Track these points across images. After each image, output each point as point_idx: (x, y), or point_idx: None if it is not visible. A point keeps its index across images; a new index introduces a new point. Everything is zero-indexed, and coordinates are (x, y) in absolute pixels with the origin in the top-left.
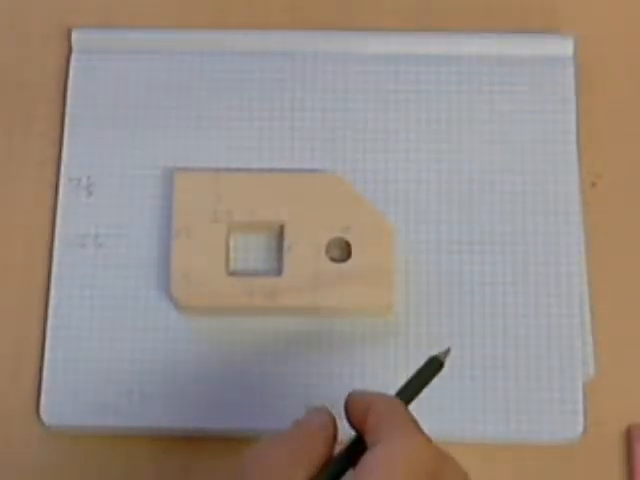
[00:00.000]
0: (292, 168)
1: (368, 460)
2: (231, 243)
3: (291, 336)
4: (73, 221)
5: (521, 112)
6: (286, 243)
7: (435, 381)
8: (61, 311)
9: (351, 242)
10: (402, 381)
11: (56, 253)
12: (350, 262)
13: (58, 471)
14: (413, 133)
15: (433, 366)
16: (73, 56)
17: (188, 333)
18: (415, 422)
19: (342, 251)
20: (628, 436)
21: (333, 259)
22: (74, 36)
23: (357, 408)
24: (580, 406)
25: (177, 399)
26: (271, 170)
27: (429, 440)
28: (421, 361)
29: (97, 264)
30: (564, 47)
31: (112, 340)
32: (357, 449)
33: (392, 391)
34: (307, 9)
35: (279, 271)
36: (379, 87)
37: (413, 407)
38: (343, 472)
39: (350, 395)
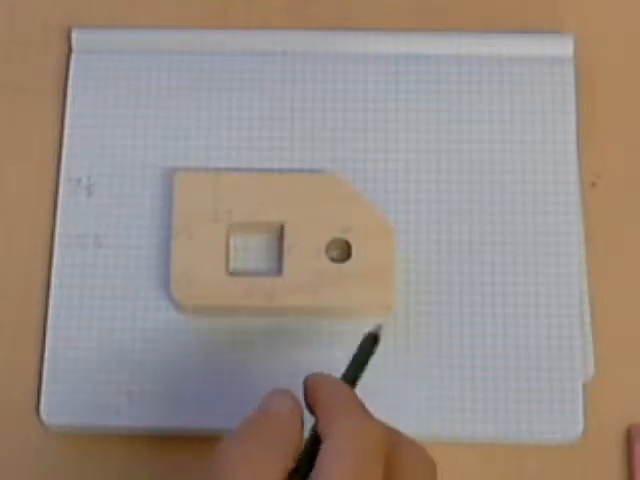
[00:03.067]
0: (292, 168)
1: (321, 454)
2: (231, 243)
3: (291, 336)
4: (73, 221)
5: (521, 112)
6: (286, 243)
7: (435, 381)
8: (61, 311)
9: (351, 242)
10: (402, 381)
11: (56, 253)
12: (350, 262)
13: (58, 471)
14: (413, 133)
15: (369, 342)
16: (73, 56)
17: (188, 333)
18: (360, 404)
19: (342, 251)
20: (628, 436)
21: (333, 259)
22: (74, 36)
23: (306, 393)
24: (580, 406)
25: (177, 399)
26: (271, 170)
27: (375, 421)
28: (421, 361)
29: (97, 264)
30: (564, 47)
31: (112, 340)
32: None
33: (394, 392)
34: (307, 9)
35: (279, 271)
36: (379, 87)
37: (413, 407)
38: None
39: (305, 379)
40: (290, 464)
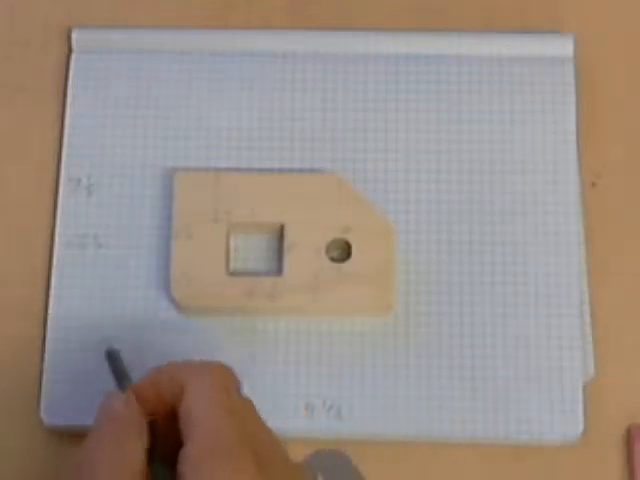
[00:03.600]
0: (292, 168)
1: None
2: (231, 243)
3: (291, 336)
4: (73, 221)
5: (521, 112)
6: (286, 243)
7: (435, 381)
8: (61, 311)
9: (351, 242)
10: (402, 381)
11: (56, 253)
12: (350, 262)
13: (58, 471)
14: (413, 133)
15: (112, 358)
16: (73, 56)
17: (188, 333)
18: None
19: (342, 251)
20: (628, 436)
21: (333, 259)
22: (74, 36)
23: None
24: (580, 406)
25: None
26: (271, 170)
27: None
28: (421, 361)
29: (97, 264)
30: (564, 47)
31: (112, 340)
32: None
33: (394, 392)
34: (307, 9)
35: (279, 271)
36: (379, 87)
37: (413, 407)
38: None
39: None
40: (145, 442)
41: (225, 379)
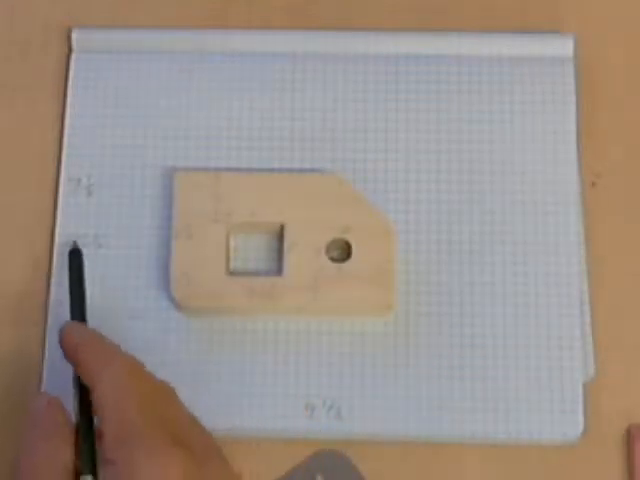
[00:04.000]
0: (292, 168)
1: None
2: (231, 243)
3: (291, 336)
4: (73, 221)
5: (521, 112)
6: (286, 243)
7: (435, 381)
8: (61, 311)
9: (351, 242)
10: (402, 381)
11: (56, 253)
12: (350, 262)
13: None
14: (413, 133)
15: (74, 259)
16: (73, 56)
17: (188, 333)
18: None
19: (342, 251)
20: (628, 436)
21: (333, 259)
22: (74, 36)
23: (66, 351)
24: (580, 406)
25: None
26: (271, 170)
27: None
28: (421, 361)
29: (97, 264)
30: (564, 47)
31: (112, 340)
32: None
33: (394, 392)
34: (307, 9)
35: (279, 271)
36: (379, 87)
37: (413, 407)
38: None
39: (59, 331)
40: (71, 438)
41: (134, 364)
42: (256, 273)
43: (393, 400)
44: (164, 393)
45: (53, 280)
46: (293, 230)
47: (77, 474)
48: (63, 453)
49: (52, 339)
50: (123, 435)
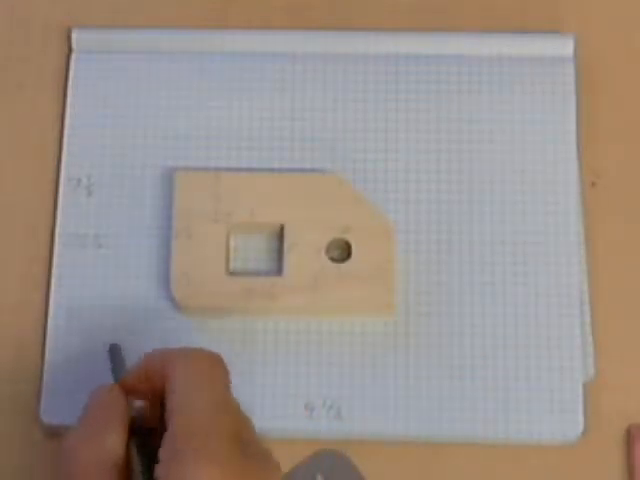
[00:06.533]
0: (292, 168)
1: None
2: (231, 243)
3: (291, 336)
4: (73, 221)
5: (521, 112)
6: (286, 243)
7: (435, 381)
8: (61, 311)
9: (351, 242)
10: (402, 381)
11: (56, 253)
12: (350, 262)
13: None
14: (413, 133)
15: (116, 353)
16: (73, 56)
17: (188, 333)
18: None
19: (342, 251)
20: (628, 436)
21: (333, 259)
22: (74, 36)
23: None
24: (580, 406)
25: None
26: (271, 170)
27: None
28: (421, 361)
29: (97, 264)
30: (564, 47)
31: (112, 340)
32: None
33: (394, 392)
34: (307, 9)
35: (279, 271)
36: (379, 87)
37: (413, 407)
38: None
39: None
40: (124, 435)
41: (213, 369)
42: (256, 273)
43: (393, 400)
44: (234, 404)
45: (53, 280)
46: (293, 230)
47: (126, 471)
48: (117, 450)
49: (52, 339)
50: (189, 444)
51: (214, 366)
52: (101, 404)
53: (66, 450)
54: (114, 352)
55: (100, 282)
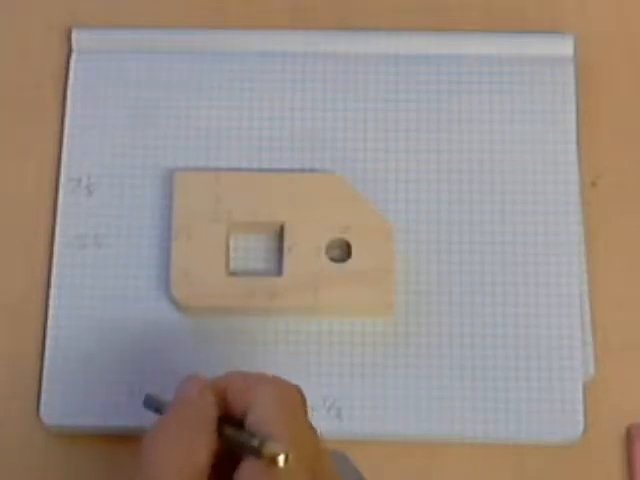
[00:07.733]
0: (292, 168)
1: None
2: (231, 243)
3: (291, 336)
4: (73, 221)
5: (521, 112)
6: (286, 243)
7: (435, 381)
8: (61, 311)
9: (351, 242)
10: (402, 381)
11: (56, 253)
12: (350, 262)
13: (58, 471)
14: (413, 133)
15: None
16: (73, 56)
17: (188, 333)
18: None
19: (342, 251)
20: (628, 436)
21: (333, 259)
22: (74, 36)
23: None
24: (580, 406)
25: None
26: (271, 170)
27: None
28: (421, 361)
29: (97, 264)
30: (564, 47)
31: (112, 340)
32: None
33: (394, 392)
34: (307, 9)
35: (279, 271)
36: (379, 87)
37: (413, 407)
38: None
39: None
40: (212, 444)
41: (293, 399)
42: (256, 273)
43: (393, 400)
44: (311, 433)
45: (53, 280)
46: (293, 230)
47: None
48: (203, 454)
49: (52, 340)
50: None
51: (294, 395)
52: (192, 407)
53: (151, 453)
54: (149, 404)
55: (100, 282)
